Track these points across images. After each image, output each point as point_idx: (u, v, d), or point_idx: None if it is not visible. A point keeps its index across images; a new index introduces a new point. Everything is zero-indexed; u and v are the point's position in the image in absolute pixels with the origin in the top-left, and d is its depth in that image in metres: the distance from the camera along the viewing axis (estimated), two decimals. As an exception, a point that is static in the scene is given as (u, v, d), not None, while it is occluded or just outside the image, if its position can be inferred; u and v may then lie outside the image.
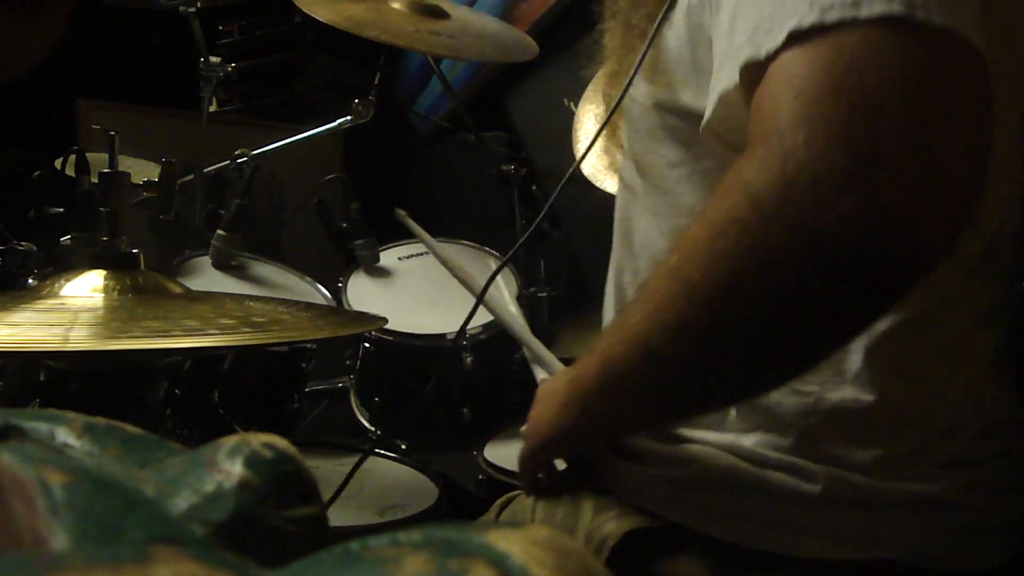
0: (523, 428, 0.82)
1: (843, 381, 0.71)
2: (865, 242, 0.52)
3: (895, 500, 0.71)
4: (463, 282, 1.14)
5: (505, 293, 1.23)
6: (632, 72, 0.75)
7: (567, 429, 0.74)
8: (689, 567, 0.74)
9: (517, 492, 0.96)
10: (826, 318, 0.56)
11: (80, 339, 0.69)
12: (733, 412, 0.75)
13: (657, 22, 0.72)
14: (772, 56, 0.56)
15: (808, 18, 0.55)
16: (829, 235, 0.52)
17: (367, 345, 1.65)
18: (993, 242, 0.73)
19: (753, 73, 0.58)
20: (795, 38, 0.55)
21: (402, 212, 1.37)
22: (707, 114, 0.66)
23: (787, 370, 0.61)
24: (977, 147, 0.55)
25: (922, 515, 0.71)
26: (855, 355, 0.71)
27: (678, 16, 0.73)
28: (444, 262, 1.20)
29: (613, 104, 0.82)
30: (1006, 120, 0.71)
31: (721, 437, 0.75)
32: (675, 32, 0.73)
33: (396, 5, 1.73)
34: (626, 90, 0.76)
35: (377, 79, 1.88)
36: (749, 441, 0.74)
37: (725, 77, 0.62)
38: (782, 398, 0.72)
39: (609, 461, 0.80)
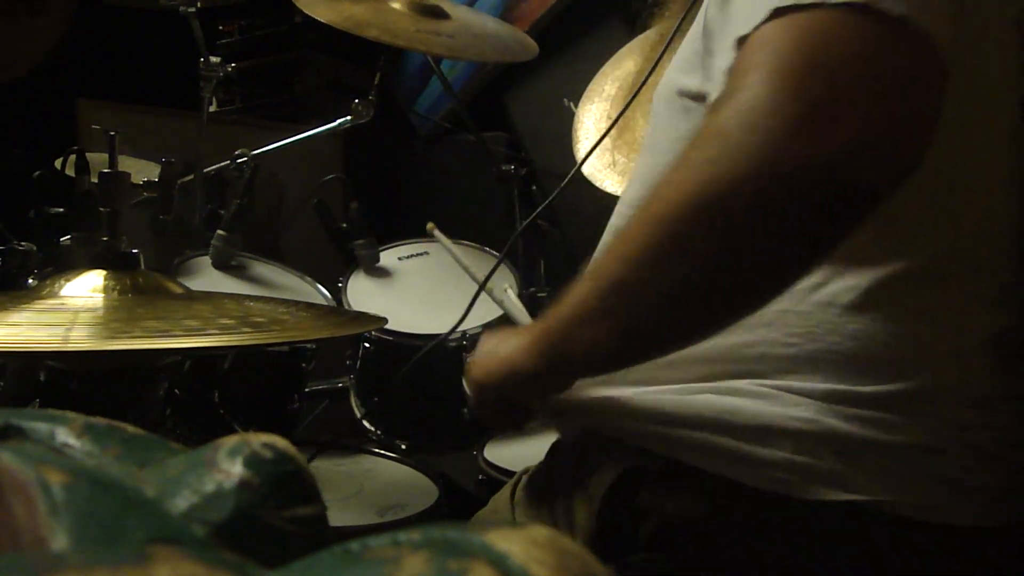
0: (472, 361, 0.83)
1: (825, 331, 0.75)
2: (803, 182, 0.62)
3: (876, 443, 0.73)
4: (495, 300, 1.15)
5: (512, 295, 1.23)
6: (652, 65, 0.79)
7: (526, 371, 0.76)
8: (691, 504, 0.76)
9: (527, 469, 0.97)
10: (779, 243, 0.64)
11: (80, 339, 0.69)
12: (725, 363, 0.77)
13: (683, 17, 0.77)
14: (757, 28, 0.65)
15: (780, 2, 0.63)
16: (781, 170, 0.61)
17: (367, 345, 1.65)
18: (978, 229, 0.77)
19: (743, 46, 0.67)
20: (776, 13, 0.64)
21: (431, 225, 1.37)
22: (713, 93, 0.71)
23: (745, 298, 0.68)
24: (917, 129, 0.63)
25: (901, 460, 0.73)
26: (843, 299, 0.74)
27: (701, 9, 0.79)
28: (474, 277, 1.20)
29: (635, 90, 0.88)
30: (990, 116, 0.77)
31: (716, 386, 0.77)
32: (696, 24, 0.80)
33: (396, 5, 1.73)
34: (647, 78, 0.80)
35: (377, 79, 1.88)
36: (740, 383, 0.76)
37: (725, 56, 0.68)
38: (767, 348, 0.75)
39: (600, 405, 0.81)
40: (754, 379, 0.76)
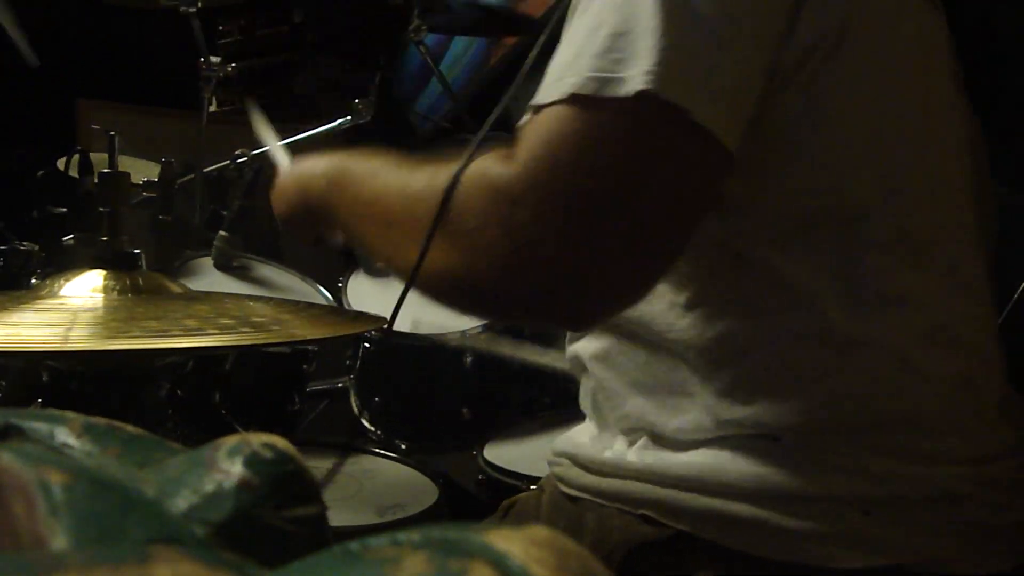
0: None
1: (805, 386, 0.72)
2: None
3: (894, 498, 0.70)
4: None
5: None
6: (518, 79, 0.80)
7: (297, 219, 0.90)
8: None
9: (520, 495, 0.96)
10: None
11: (80, 339, 0.69)
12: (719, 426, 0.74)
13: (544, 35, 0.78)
14: (545, 106, 0.67)
15: (570, 88, 0.65)
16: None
17: (367, 345, 1.65)
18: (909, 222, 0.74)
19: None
20: (564, 99, 0.66)
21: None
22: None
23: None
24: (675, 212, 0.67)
25: (927, 513, 0.71)
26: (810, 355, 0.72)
27: None
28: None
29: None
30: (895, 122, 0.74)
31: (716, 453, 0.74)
32: None
33: None
34: (510, 93, 0.80)
35: (377, 79, 1.88)
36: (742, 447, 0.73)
37: (527, 113, 0.70)
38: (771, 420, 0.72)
39: (606, 474, 0.79)
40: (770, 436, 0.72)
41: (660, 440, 0.76)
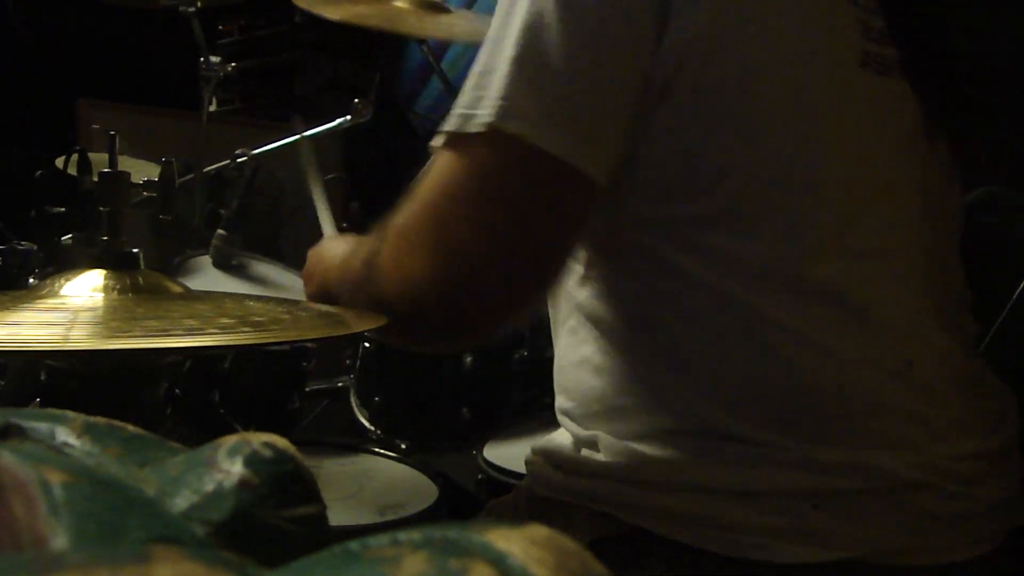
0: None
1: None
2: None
3: (843, 491, 0.70)
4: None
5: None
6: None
7: (319, 300, 0.93)
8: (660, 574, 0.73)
9: (501, 498, 0.97)
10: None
11: (80, 338, 0.69)
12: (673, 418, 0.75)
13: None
14: (445, 140, 0.73)
15: (447, 126, 0.72)
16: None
17: (367, 345, 1.65)
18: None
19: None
20: (445, 134, 0.73)
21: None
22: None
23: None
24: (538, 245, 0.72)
25: (878, 504, 0.70)
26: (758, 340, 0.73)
27: None
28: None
29: None
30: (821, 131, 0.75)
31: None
32: None
33: (399, 3, 1.74)
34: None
35: (377, 79, 1.88)
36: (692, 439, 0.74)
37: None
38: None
39: (572, 473, 0.80)
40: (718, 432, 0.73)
41: (619, 435, 0.77)
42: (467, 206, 0.70)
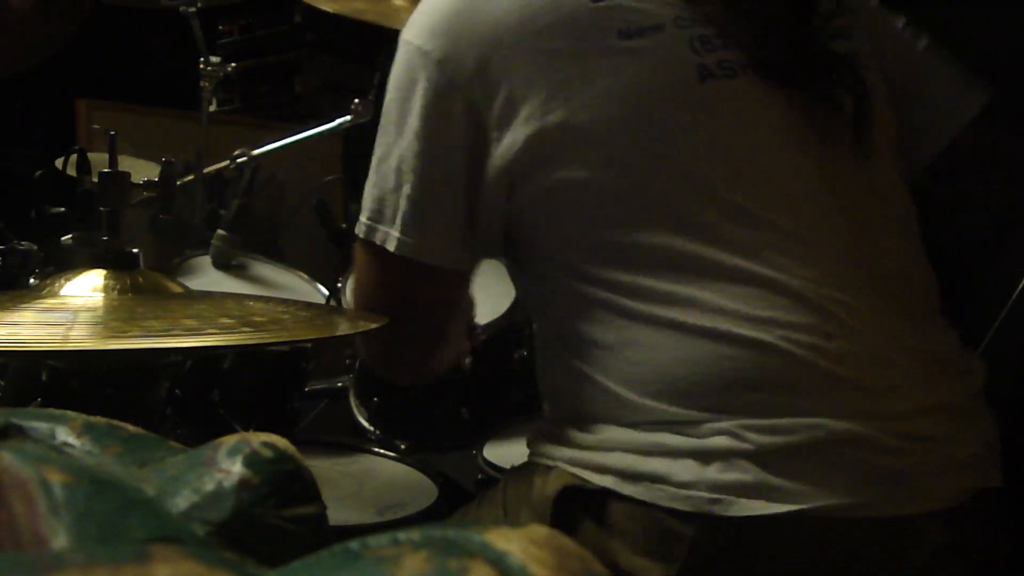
0: None
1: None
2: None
3: (791, 446, 0.73)
4: None
5: None
6: None
7: None
8: (625, 523, 0.78)
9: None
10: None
11: (80, 338, 0.69)
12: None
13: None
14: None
15: (361, 228, 0.89)
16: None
17: (367, 345, 1.65)
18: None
19: None
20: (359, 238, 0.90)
21: None
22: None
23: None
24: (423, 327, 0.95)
25: (823, 458, 0.73)
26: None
27: None
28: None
29: None
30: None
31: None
32: None
33: (399, 2, 1.74)
34: None
35: (377, 79, 1.88)
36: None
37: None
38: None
39: (540, 441, 0.90)
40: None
41: (580, 428, 0.85)
42: (373, 292, 0.94)
